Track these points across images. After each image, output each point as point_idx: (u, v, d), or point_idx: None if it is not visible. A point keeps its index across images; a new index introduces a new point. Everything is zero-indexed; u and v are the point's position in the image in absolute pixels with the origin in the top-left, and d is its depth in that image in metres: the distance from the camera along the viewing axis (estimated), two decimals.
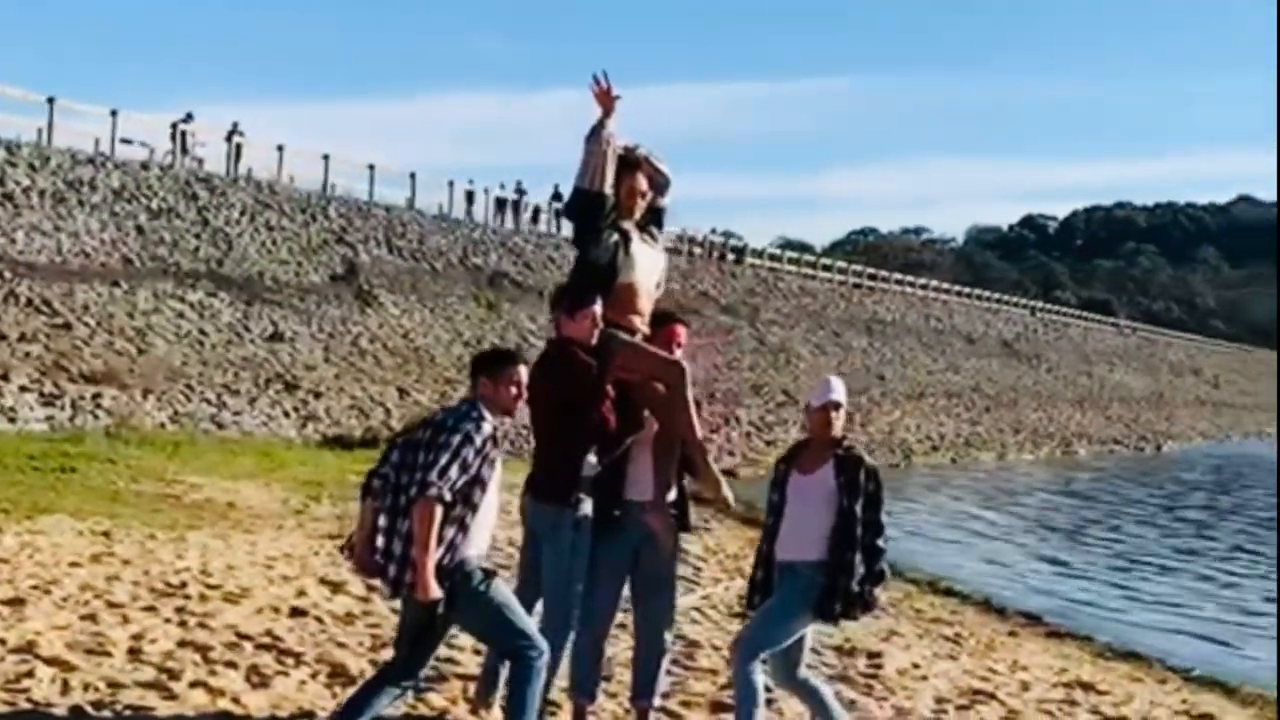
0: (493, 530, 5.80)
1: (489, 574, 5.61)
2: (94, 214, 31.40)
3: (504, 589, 5.71)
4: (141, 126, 38.66)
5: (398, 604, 9.37)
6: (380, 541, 5.52)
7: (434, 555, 5.38)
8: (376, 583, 5.69)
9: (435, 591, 5.37)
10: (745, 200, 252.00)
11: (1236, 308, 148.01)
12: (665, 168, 6.54)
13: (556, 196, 50.12)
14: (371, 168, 45.00)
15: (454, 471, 5.40)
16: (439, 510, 5.38)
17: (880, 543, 6.32)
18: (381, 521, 5.54)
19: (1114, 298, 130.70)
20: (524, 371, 5.69)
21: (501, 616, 5.64)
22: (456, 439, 5.44)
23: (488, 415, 5.56)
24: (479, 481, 5.49)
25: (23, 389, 20.77)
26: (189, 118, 40.24)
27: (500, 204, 49.89)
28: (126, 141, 37.55)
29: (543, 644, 5.68)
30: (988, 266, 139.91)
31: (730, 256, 59.99)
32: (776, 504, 6.44)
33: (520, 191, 51.09)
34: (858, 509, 6.24)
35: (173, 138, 39.35)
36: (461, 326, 35.53)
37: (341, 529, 13.12)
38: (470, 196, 48.87)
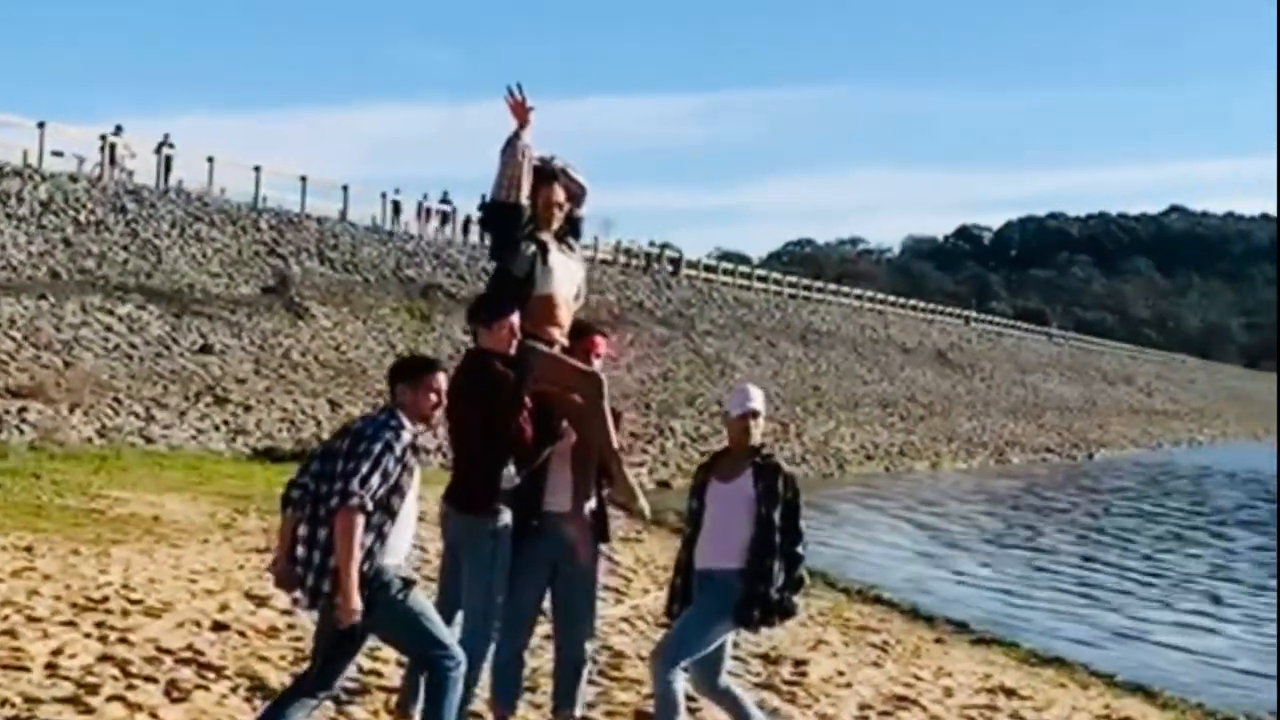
0: (412, 539, 5.78)
1: (407, 583, 5.58)
2: (20, 227, 31.06)
3: (421, 598, 5.69)
4: (70, 139, 38.35)
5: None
6: (300, 551, 5.49)
7: (357, 565, 5.35)
8: (296, 595, 5.62)
9: (357, 603, 5.33)
10: (682, 211, 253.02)
11: (1168, 317, 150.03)
12: (581, 178, 6.57)
13: (481, 205, 50.32)
14: (303, 179, 44.77)
15: (375, 480, 5.37)
16: (360, 519, 5.35)
17: (799, 549, 6.34)
18: (301, 531, 5.51)
19: (1048, 308, 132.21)
20: (443, 379, 5.69)
21: (418, 625, 5.62)
22: (377, 447, 5.42)
23: (407, 423, 5.56)
24: (398, 490, 5.47)
25: None
26: (118, 130, 39.85)
27: (426, 214, 49.92)
28: (58, 154, 37.25)
29: (460, 654, 5.68)
30: (924, 277, 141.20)
31: (667, 267, 60.20)
32: (696, 512, 6.47)
33: (446, 202, 51.17)
34: (776, 516, 6.27)
35: (101, 150, 38.97)
36: (394, 338, 35.37)
37: (269, 542, 13.02)
38: (397, 207, 48.84)
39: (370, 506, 5.36)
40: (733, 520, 6.30)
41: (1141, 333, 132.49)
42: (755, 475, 6.33)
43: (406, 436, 5.52)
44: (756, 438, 6.45)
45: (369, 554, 5.42)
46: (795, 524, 6.34)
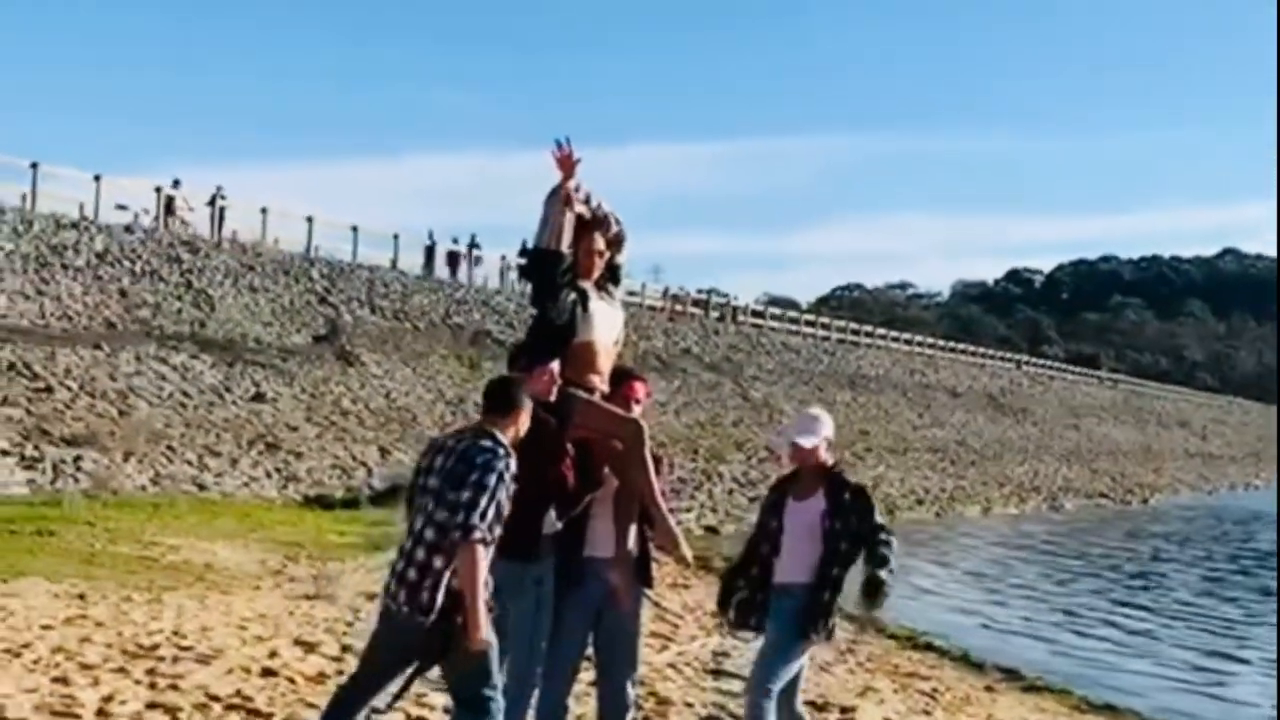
0: None
1: (491, 609, 5.66)
2: (77, 278, 31.51)
3: (494, 634, 5.74)
4: (125, 191, 38.92)
5: None
6: (403, 567, 5.63)
7: (484, 599, 5.47)
8: (390, 604, 5.68)
9: (487, 633, 5.48)
10: (729, 256, 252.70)
11: (1223, 360, 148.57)
12: (620, 226, 6.65)
13: (523, 253, 50.25)
14: (355, 229, 45.24)
15: (491, 512, 5.47)
16: (483, 552, 5.46)
17: (884, 537, 6.62)
18: (405, 545, 5.67)
19: (1101, 351, 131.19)
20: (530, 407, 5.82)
21: (484, 661, 5.68)
22: (492, 479, 5.49)
23: (510, 450, 5.64)
24: (500, 519, 5.57)
25: (3, 453, 20.73)
26: (176, 184, 40.50)
27: (454, 260, 49.59)
28: (122, 207, 37.91)
29: (502, 700, 5.72)
30: (974, 321, 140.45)
31: (714, 314, 60.45)
32: (774, 530, 6.78)
33: (475, 246, 50.79)
34: (842, 528, 6.60)
35: (157, 204, 39.58)
36: (444, 385, 35.55)
37: (319, 589, 13.14)
38: (430, 252, 48.86)
39: (490, 539, 5.48)
40: (806, 536, 6.65)
41: (1196, 376, 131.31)
42: (827, 492, 6.68)
43: (513, 466, 5.59)
44: (828, 459, 6.79)
45: (451, 577, 5.52)
46: (873, 522, 6.66)
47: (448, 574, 5.51)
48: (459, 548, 5.46)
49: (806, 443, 6.74)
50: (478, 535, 5.44)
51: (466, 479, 5.50)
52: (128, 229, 35.79)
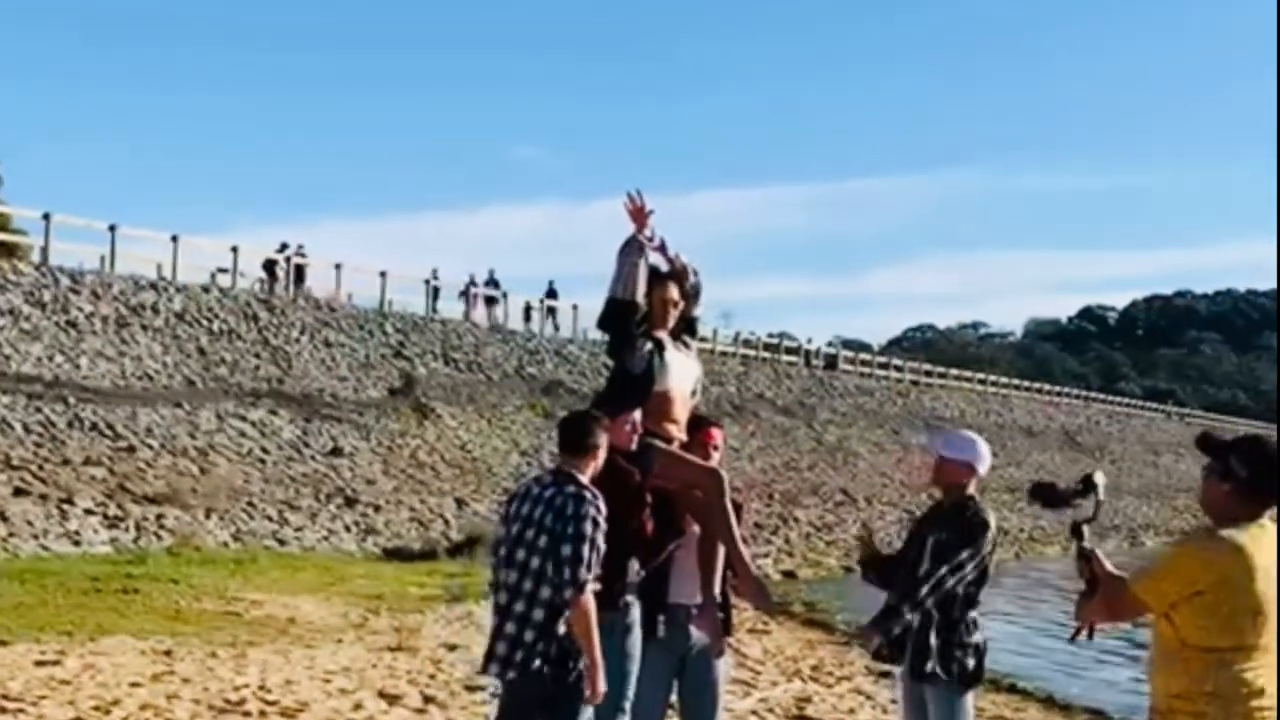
0: None
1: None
2: (156, 337, 31.99)
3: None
4: (200, 250, 39.57)
5: (453, 714, 9.53)
6: (511, 628, 5.63)
7: (598, 647, 5.54)
8: (501, 672, 5.69)
9: (604, 685, 5.54)
10: (800, 300, 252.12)
11: None
12: (698, 277, 6.69)
13: (550, 294, 49.69)
14: (427, 282, 45.66)
15: (594, 561, 5.52)
16: (593, 603, 5.52)
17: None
18: (518, 608, 5.64)
19: (1178, 387, 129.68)
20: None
21: (580, 713, 5.73)
22: (588, 527, 5.53)
23: (598, 493, 5.66)
24: (600, 562, 5.61)
25: (88, 512, 21.07)
26: (284, 248, 41.53)
27: (472, 300, 47.65)
28: (223, 270, 38.71)
29: None
30: (1048, 359, 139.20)
31: (818, 362, 61.24)
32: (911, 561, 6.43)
33: (493, 283, 49.01)
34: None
35: (267, 269, 40.97)
36: (519, 436, 35.73)
37: (400, 641, 13.24)
38: (436, 292, 46.49)
39: (597, 588, 5.54)
40: None
41: (1275, 410, 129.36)
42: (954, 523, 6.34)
43: (603, 507, 5.61)
44: (970, 488, 6.42)
45: (570, 638, 5.56)
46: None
47: (562, 630, 5.57)
48: (571, 604, 5.51)
49: (950, 453, 6.43)
50: (588, 589, 5.50)
51: (566, 533, 5.54)
52: (204, 289, 36.34)
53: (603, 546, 5.59)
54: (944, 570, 6.19)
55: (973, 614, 6.36)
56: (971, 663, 6.31)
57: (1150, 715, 4.63)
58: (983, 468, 6.46)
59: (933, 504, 6.68)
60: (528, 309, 49.34)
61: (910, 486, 41.22)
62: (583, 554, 5.50)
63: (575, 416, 6.03)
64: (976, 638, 6.36)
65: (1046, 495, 5.32)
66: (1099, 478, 5.16)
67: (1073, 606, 5.04)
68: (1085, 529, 4.94)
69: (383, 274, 43.90)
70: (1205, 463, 4.67)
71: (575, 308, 48.86)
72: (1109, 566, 4.81)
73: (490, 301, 48.54)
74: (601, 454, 5.78)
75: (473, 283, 48.20)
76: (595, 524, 5.56)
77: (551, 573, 5.55)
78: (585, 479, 5.69)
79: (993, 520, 6.38)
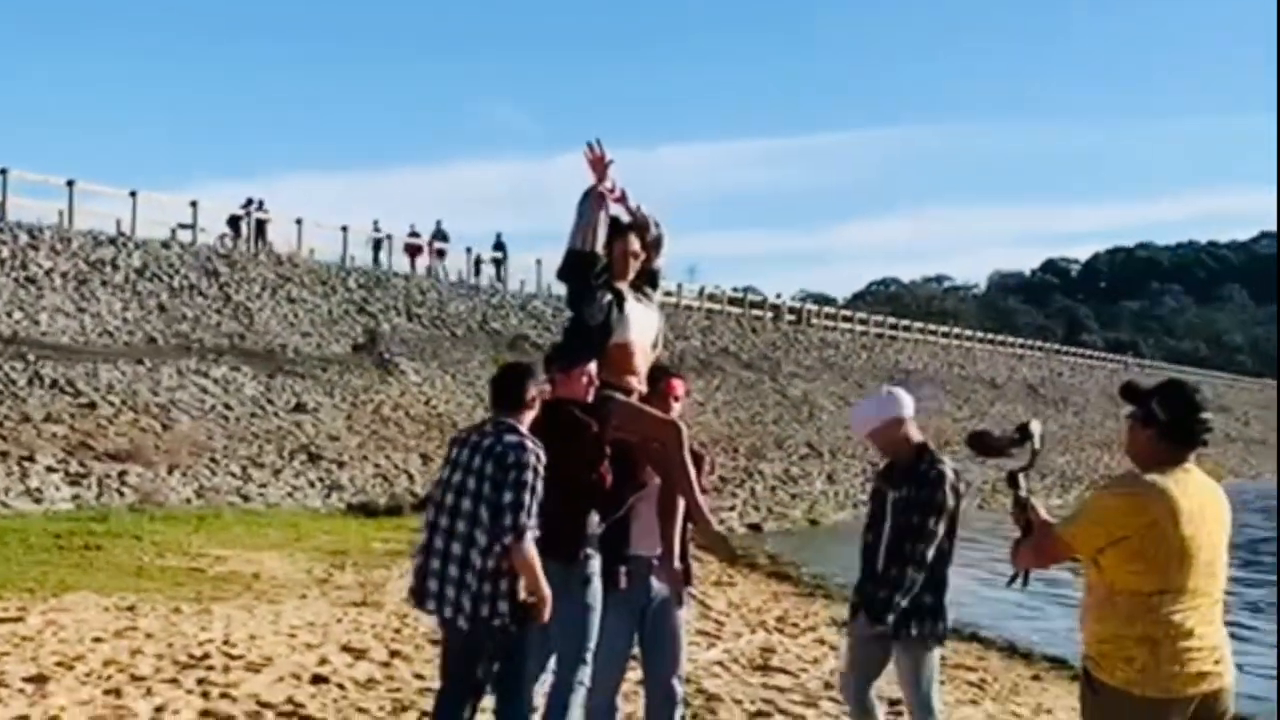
0: None
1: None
2: (116, 294, 31.78)
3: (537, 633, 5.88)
4: (161, 206, 39.22)
5: (418, 668, 9.55)
6: (451, 570, 5.74)
7: (544, 582, 5.66)
8: (449, 615, 5.78)
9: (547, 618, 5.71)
10: (764, 255, 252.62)
11: (1263, 344, 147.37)
12: (660, 229, 6.66)
13: (498, 246, 49.27)
14: (389, 237, 45.45)
15: (535, 508, 5.62)
16: (533, 546, 5.61)
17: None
18: (455, 550, 5.75)
19: (1140, 339, 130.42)
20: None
21: (524, 666, 5.86)
22: (529, 475, 5.63)
23: (537, 441, 5.74)
24: (540, 507, 5.70)
25: (49, 469, 20.95)
26: (249, 203, 41.35)
27: (411, 250, 46.67)
28: (186, 226, 38.37)
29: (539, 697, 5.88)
30: (1012, 312, 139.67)
31: (788, 318, 61.45)
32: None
33: (440, 237, 47.80)
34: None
35: (232, 224, 40.72)
36: (483, 391, 35.29)
37: (365, 596, 13.25)
38: (378, 245, 45.97)
39: (537, 534, 5.62)
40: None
41: (1236, 360, 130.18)
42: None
43: (542, 456, 5.69)
44: (914, 435, 6.57)
45: (511, 576, 5.66)
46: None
47: (505, 574, 5.67)
48: (513, 548, 5.59)
49: (870, 426, 6.56)
50: (529, 535, 5.60)
51: (507, 480, 5.62)
52: (164, 244, 36.08)
53: (541, 494, 5.66)
54: (920, 548, 6.28)
55: (948, 570, 6.45)
56: (942, 623, 6.44)
57: (1082, 661, 4.67)
58: (906, 412, 6.54)
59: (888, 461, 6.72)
60: (477, 262, 48.77)
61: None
62: (523, 500, 5.60)
63: (509, 371, 6.10)
64: (948, 595, 6.46)
65: (982, 443, 5.35)
66: (1035, 427, 5.17)
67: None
68: (1021, 477, 4.97)
69: (344, 229, 43.68)
70: (1128, 410, 4.69)
71: (539, 262, 48.73)
72: (1043, 513, 4.84)
73: (439, 255, 47.69)
74: (536, 405, 5.84)
75: (413, 234, 47.17)
76: (535, 472, 5.65)
77: (490, 519, 5.64)
78: (524, 429, 5.77)
79: (949, 469, 6.42)
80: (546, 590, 5.67)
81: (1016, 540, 4.93)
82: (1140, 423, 4.63)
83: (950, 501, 6.35)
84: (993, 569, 22.70)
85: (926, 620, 6.35)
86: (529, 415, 5.83)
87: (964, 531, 6.60)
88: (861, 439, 6.72)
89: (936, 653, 6.54)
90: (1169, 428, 4.56)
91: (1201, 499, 4.56)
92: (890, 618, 6.27)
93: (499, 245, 49.74)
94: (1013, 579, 5.14)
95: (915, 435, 6.55)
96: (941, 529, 6.31)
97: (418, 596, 5.91)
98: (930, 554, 6.30)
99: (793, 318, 62.23)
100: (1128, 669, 4.46)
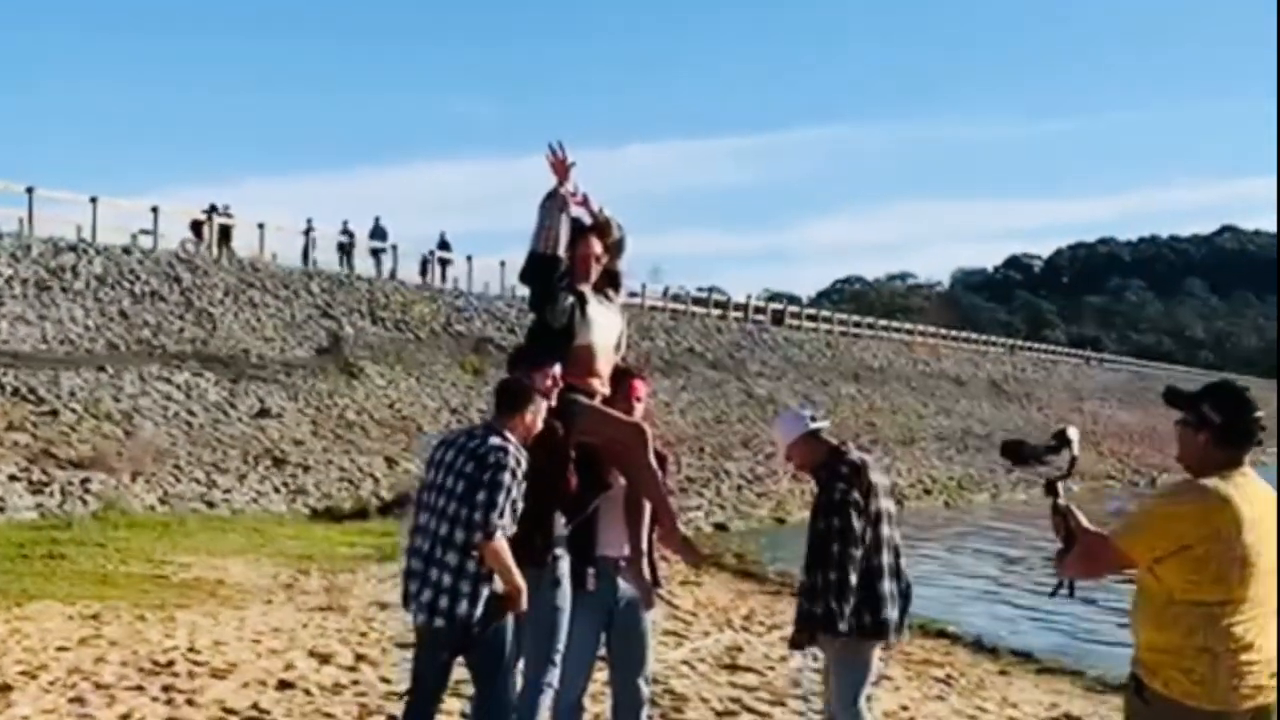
0: None
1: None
2: (77, 301, 31.57)
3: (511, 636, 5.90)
4: (121, 212, 39.03)
5: (385, 672, 9.53)
6: (428, 570, 5.77)
7: (518, 575, 5.71)
8: (425, 619, 5.82)
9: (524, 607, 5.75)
10: (728, 254, 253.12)
11: (1225, 337, 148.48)
12: (622, 232, 6.68)
13: (442, 245, 48.76)
14: (351, 235, 45.19)
15: (509, 508, 5.66)
16: (505, 544, 5.66)
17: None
18: (426, 547, 5.81)
19: (1103, 333, 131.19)
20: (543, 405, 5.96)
21: (505, 662, 5.89)
22: (506, 476, 5.66)
23: (521, 449, 5.78)
24: (516, 512, 5.75)
25: (11, 478, 20.78)
26: (213, 209, 40.96)
27: (342, 247, 45.36)
28: (147, 232, 38.09)
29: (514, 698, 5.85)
30: (975, 309, 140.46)
31: (756, 317, 61.65)
32: None
33: (379, 234, 46.52)
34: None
35: (195, 229, 40.26)
36: (448, 394, 35.60)
37: (331, 600, 13.20)
38: (343, 247, 45.02)
39: (508, 534, 5.66)
40: None
41: (1198, 354, 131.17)
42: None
43: (524, 462, 5.73)
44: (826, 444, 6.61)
45: (488, 579, 5.69)
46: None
47: (479, 574, 5.71)
48: (483, 547, 5.64)
49: (786, 450, 6.63)
50: (499, 534, 5.63)
51: (483, 479, 5.65)
52: (125, 250, 35.86)
53: (518, 497, 5.70)
54: (836, 549, 6.24)
55: (878, 561, 6.38)
56: (873, 617, 6.32)
57: (1133, 668, 4.52)
58: (805, 429, 6.55)
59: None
60: (424, 263, 47.97)
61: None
62: (497, 500, 5.63)
63: (514, 379, 6.11)
64: (884, 587, 6.38)
65: (1017, 452, 5.22)
66: (1072, 433, 5.05)
67: (1053, 564, 4.92)
68: (1059, 485, 4.87)
69: (307, 232, 43.51)
70: (1178, 417, 4.54)
71: (503, 264, 48.58)
72: (1085, 521, 4.73)
73: (375, 254, 46.38)
74: (533, 419, 5.87)
75: (345, 232, 45.73)
76: (514, 474, 5.67)
77: (465, 516, 5.65)
78: (513, 437, 5.79)
79: (845, 465, 6.38)
80: (521, 582, 5.71)
81: (1059, 550, 4.82)
82: (1193, 428, 4.49)
83: (852, 495, 6.28)
84: (951, 564, 22.88)
85: (856, 614, 6.28)
86: (522, 428, 5.85)
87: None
88: (781, 462, 6.72)
89: (869, 648, 6.47)
90: (1224, 430, 4.43)
91: (1261, 505, 4.41)
92: (843, 625, 6.22)
93: (444, 244, 49.04)
94: (1057, 589, 5.00)
95: (827, 442, 6.58)
96: (853, 522, 6.24)
97: (405, 599, 5.96)
98: (854, 551, 6.24)
99: (762, 317, 62.34)
100: (1185, 680, 4.33)
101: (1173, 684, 4.34)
